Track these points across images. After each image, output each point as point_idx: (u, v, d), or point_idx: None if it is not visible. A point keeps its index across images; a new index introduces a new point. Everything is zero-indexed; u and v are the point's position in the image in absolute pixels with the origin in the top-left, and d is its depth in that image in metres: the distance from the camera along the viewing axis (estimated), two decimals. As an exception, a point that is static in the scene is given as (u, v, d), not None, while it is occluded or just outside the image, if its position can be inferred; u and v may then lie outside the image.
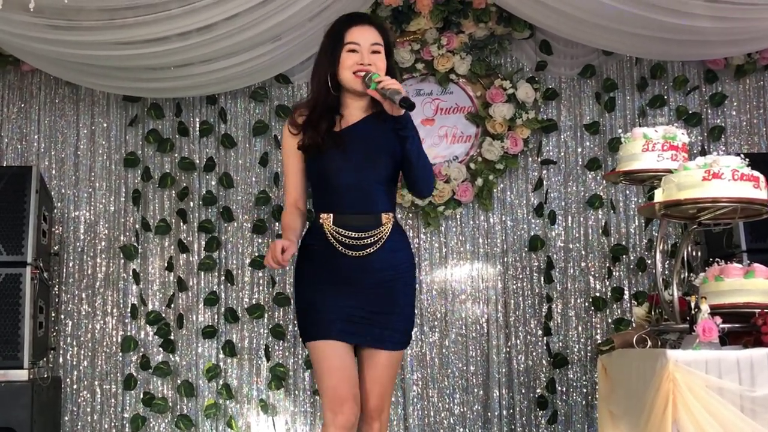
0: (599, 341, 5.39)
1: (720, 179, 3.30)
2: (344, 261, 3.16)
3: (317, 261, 3.21)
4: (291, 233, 3.20)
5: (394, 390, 3.36)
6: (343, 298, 3.13)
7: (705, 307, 3.28)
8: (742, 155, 3.45)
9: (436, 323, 5.61)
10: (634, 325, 4.17)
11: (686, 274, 3.76)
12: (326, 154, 3.20)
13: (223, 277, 5.58)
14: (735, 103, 5.76)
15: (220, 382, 5.49)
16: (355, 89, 3.23)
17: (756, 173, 3.35)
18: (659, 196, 3.47)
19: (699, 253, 3.70)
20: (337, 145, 3.19)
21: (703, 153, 5.56)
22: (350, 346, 3.15)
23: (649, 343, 3.57)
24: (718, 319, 3.29)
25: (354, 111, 3.28)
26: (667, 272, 5.07)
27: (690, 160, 3.63)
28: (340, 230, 3.16)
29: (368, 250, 3.15)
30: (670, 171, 3.53)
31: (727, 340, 3.37)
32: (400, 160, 3.21)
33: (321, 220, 3.20)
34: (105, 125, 5.70)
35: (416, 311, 3.45)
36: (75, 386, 5.48)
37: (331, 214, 3.19)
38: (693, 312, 3.32)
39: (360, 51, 3.21)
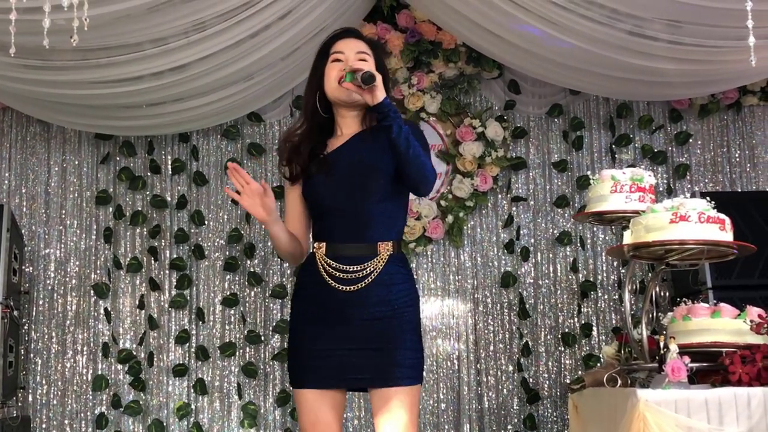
0: (569, 378, 5.44)
1: (687, 222, 3.36)
2: (335, 296, 2.92)
3: (307, 298, 3.00)
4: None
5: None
6: (329, 340, 2.91)
7: (674, 347, 3.33)
8: (708, 198, 3.53)
9: (407, 360, 5.61)
10: (603, 363, 4.22)
11: (654, 313, 3.82)
12: (314, 178, 3.00)
13: (194, 315, 5.57)
14: (699, 142, 5.86)
15: (191, 421, 5.45)
16: (344, 100, 3.00)
17: (722, 216, 3.42)
18: (628, 237, 3.54)
19: (666, 292, 3.76)
20: (323, 168, 2.98)
21: (669, 190, 5.67)
22: (333, 392, 2.96)
23: (620, 381, 3.62)
24: (687, 359, 3.35)
25: (349, 129, 3.07)
26: (634, 308, 5.14)
27: (657, 200, 3.72)
28: (331, 262, 2.94)
29: (360, 284, 2.90)
30: (637, 212, 3.60)
31: (695, 379, 3.43)
32: (396, 177, 2.95)
33: (314, 250, 2.99)
34: (76, 163, 5.68)
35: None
36: (44, 425, 5.42)
37: (324, 243, 2.97)
38: (662, 351, 3.38)
39: (345, 59, 3.00)
